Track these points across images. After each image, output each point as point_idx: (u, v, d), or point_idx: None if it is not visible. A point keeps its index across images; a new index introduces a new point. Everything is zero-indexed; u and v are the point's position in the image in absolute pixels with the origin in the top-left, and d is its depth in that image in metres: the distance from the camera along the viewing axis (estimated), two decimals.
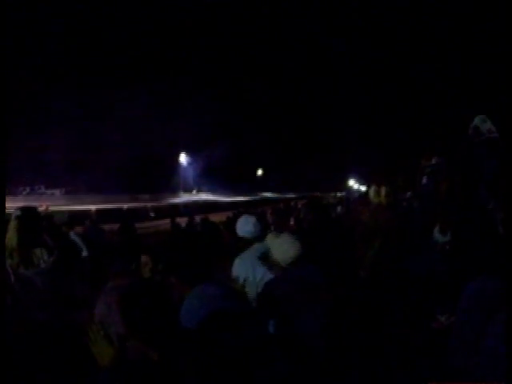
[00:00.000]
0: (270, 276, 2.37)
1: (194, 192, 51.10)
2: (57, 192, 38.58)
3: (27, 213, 2.79)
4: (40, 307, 2.60)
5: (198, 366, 1.24)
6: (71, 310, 2.60)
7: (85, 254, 6.39)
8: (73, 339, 2.00)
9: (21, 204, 3.28)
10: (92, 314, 2.13)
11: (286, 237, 2.32)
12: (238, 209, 16.16)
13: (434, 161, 4.62)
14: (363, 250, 3.63)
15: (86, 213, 9.61)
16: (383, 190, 3.95)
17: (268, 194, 59.87)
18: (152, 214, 25.28)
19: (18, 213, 2.74)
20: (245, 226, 2.75)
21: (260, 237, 2.71)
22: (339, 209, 13.37)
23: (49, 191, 38.79)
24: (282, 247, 2.26)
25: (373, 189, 4.10)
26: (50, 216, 7.21)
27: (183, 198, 43.09)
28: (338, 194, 43.12)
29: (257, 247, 2.63)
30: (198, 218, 10.42)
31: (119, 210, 21.19)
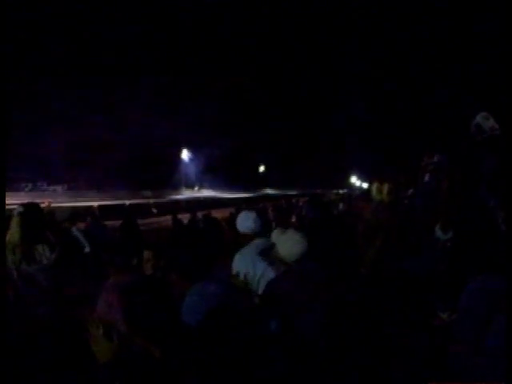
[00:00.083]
0: (270, 271, 2.36)
1: (196, 188, 51.03)
2: (59, 188, 38.62)
3: (30, 209, 2.81)
4: (42, 303, 2.62)
5: (198, 363, 1.25)
6: (73, 306, 2.62)
7: (87, 250, 6.42)
8: (73, 335, 2.00)
9: (23, 200, 3.28)
10: (93, 310, 2.14)
11: (292, 233, 2.32)
12: (240, 205, 16.17)
13: (436, 158, 4.58)
14: (365, 247, 3.63)
15: (88, 209, 9.59)
16: (385, 188, 3.93)
17: (270, 191, 59.78)
18: (154, 211, 25.28)
19: (21, 209, 2.75)
20: (245, 221, 2.74)
21: (260, 232, 2.70)
22: (341, 206, 13.39)
23: (51, 187, 38.84)
24: (288, 243, 2.26)
25: (375, 186, 4.08)
26: (52, 212, 7.22)
27: (185, 194, 43.09)
28: (340, 192, 42.95)
29: (257, 243, 2.62)
30: (200, 215, 10.41)
31: (121, 206, 21.17)
